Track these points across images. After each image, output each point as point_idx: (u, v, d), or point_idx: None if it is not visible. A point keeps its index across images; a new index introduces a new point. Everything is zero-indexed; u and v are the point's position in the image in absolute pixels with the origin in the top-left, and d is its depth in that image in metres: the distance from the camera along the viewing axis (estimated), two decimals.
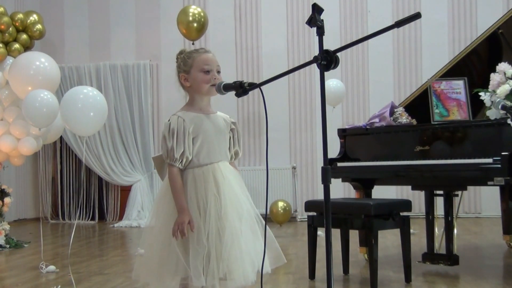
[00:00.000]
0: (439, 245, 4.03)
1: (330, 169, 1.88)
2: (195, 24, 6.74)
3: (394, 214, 3.56)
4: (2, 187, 5.89)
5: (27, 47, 6.18)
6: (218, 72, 2.42)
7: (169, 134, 2.32)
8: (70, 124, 4.15)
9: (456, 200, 3.93)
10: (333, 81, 6.67)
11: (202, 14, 6.82)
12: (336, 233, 3.40)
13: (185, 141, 2.32)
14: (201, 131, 2.36)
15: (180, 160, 2.32)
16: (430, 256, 3.98)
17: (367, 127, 4.23)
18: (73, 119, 4.08)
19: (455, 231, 3.91)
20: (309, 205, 3.91)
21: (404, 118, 4.17)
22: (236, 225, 2.30)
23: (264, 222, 2.34)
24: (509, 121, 3.42)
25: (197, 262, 2.23)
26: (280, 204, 6.86)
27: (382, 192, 4.72)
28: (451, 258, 3.85)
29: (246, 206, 2.36)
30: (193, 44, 6.85)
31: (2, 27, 5.87)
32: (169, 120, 2.36)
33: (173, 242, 2.27)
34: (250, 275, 2.28)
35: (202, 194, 2.31)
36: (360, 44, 4.79)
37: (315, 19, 1.88)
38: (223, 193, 2.31)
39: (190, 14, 6.76)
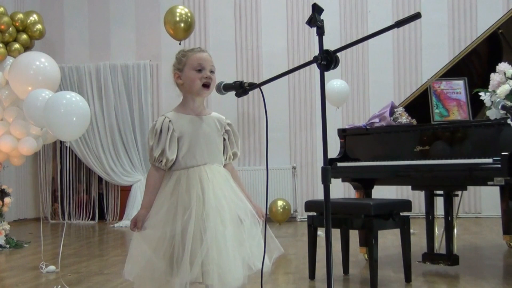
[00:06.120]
0: (439, 245, 4.02)
1: (330, 169, 1.87)
2: (182, 24, 6.73)
3: (394, 214, 3.56)
4: (2, 187, 5.89)
5: (27, 47, 6.19)
6: (212, 72, 2.40)
7: (151, 134, 2.35)
8: (52, 129, 4.17)
9: (456, 200, 3.93)
10: (337, 82, 6.61)
11: (189, 14, 6.82)
12: (336, 233, 3.39)
13: (167, 142, 2.31)
14: (188, 133, 2.35)
15: (160, 160, 2.31)
16: (430, 256, 3.98)
17: (367, 127, 4.23)
18: (55, 124, 4.11)
19: (455, 231, 3.91)
20: (309, 205, 3.90)
21: (404, 118, 4.17)
22: (219, 228, 2.25)
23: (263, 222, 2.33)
24: (509, 121, 3.42)
25: (182, 258, 2.21)
26: (280, 203, 6.90)
27: (382, 192, 4.73)
28: (451, 258, 3.85)
29: (235, 209, 2.32)
30: (179, 44, 6.84)
31: (2, 27, 5.87)
32: (155, 121, 2.39)
33: (157, 245, 2.26)
34: (241, 277, 2.26)
35: (183, 196, 2.28)
36: (360, 44, 4.79)
37: (315, 19, 1.88)
38: (207, 196, 2.27)
39: (177, 14, 6.75)
